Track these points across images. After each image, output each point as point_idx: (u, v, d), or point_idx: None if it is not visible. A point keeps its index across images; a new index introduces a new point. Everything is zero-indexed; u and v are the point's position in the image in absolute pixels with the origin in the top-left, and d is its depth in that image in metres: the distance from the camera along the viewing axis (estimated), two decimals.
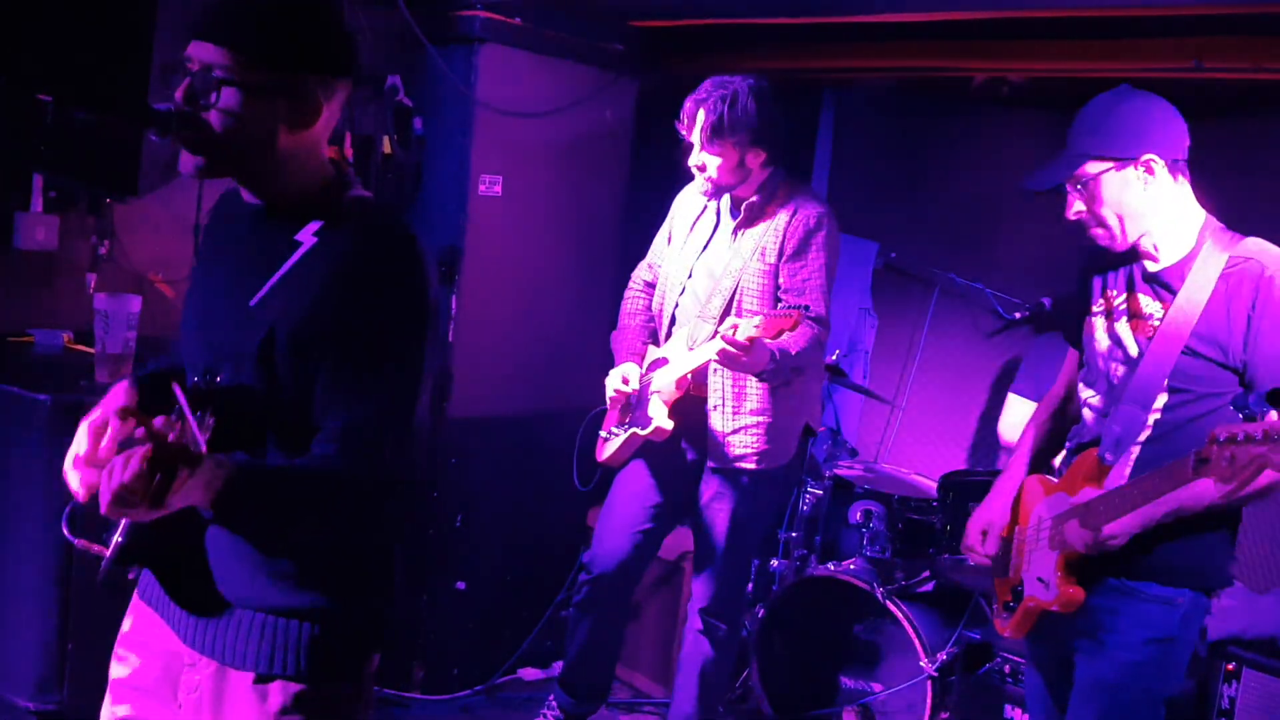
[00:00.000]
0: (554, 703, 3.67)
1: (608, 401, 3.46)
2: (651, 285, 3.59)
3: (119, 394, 1.86)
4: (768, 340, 2.98)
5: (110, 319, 2.91)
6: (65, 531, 1.77)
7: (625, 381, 3.37)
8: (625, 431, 3.38)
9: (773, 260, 3.26)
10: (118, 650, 1.92)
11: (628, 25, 4.14)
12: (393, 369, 1.70)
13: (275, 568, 1.74)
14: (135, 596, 1.93)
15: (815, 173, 5.03)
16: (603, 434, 3.50)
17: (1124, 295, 2.47)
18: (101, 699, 1.83)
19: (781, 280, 3.26)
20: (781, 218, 3.26)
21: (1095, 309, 2.53)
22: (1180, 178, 2.38)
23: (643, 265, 3.66)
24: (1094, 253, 2.53)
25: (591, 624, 3.55)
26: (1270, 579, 3.58)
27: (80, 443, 1.76)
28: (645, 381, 3.37)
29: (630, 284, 3.67)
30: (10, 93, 2.92)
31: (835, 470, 4.21)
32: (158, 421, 1.57)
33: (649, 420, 3.29)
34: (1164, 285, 2.39)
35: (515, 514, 4.11)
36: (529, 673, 4.19)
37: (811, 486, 4.09)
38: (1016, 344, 4.50)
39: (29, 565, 2.79)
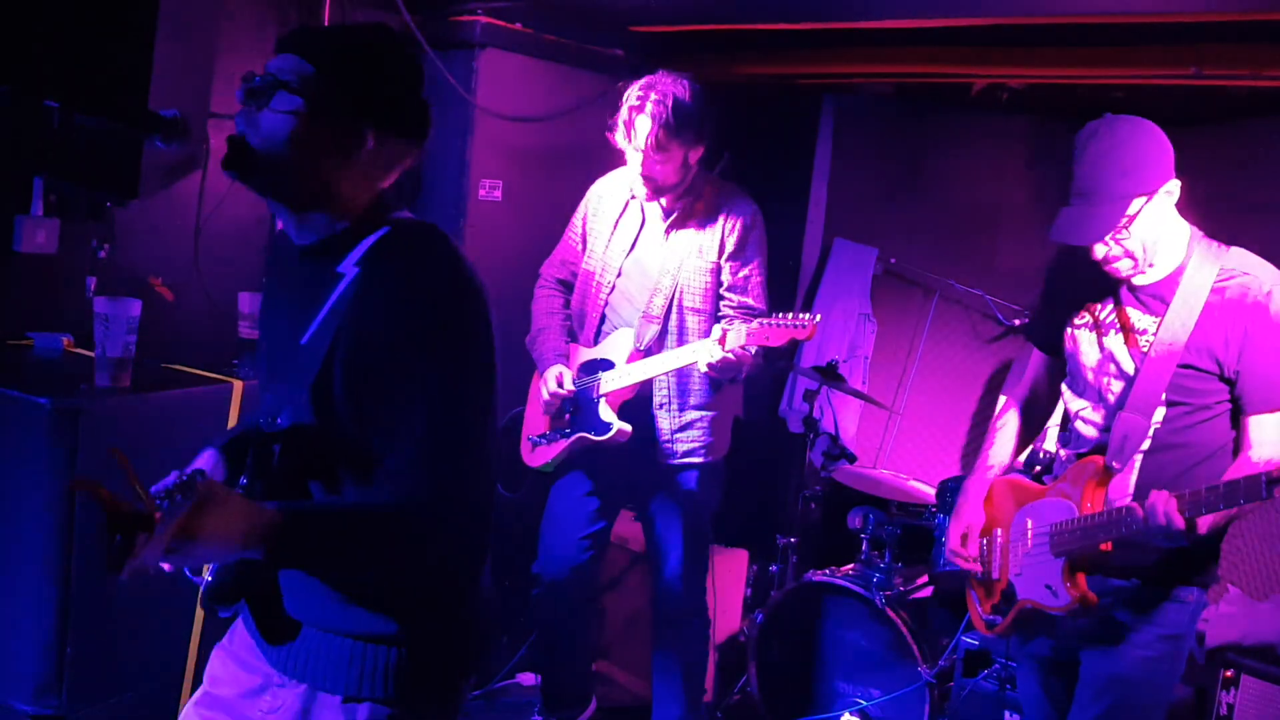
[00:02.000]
0: (538, 718, 3.69)
1: (542, 405, 3.40)
2: (566, 284, 3.55)
3: (205, 460, 1.91)
4: (731, 340, 2.99)
5: (110, 322, 2.90)
6: (189, 575, 1.84)
7: (560, 384, 3.34)
8: (569, 436, 3.34)
9: (713, 258, 3.25)
10: (215, 658, 1.96)
11: (627, 30, 4.14)
12: (450, 395, 1.67)
13: (355, 597, 1.75)
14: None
15: (815, 178, 5.04)
16: (531, 438, 3.46)
17: (1110, 309, 2.47)
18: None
19: (724, 278, 3.26)
20: (718, 215, 3.25)
21: (1078, 321, 2.53)
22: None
23: (553, 263, 3.58)
24: (1069, 265, 2.53)
25: (552, 632, 3.57)
26: (1269, 586, 3.58)
27: None
28: (589, 385, 3.33)
29: (541, 282, 3.59)
30: (10, 97, 2.92)
31: (833, 475, 4.21)
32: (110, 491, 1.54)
33: (606, 425, 3.25)
34: (1154, 297, 2.40)
35: (511, 520, 4.11)
36: (527, 678, 4.18)
37: (809, 492, 4.09)
38: (1015, 350, 4.51)
39: (28, 569, 2.79)
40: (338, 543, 1.65)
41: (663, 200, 3.31)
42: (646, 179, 3.21)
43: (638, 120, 3.13)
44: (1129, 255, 2.36)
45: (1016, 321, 4.37)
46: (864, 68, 4.21)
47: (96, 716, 2.84)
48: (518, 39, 3.84)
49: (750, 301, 3.25)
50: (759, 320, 2.99)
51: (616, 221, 3.41)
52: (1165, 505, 2.20)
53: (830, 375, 4.03)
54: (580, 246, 3.49)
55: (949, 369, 4.74)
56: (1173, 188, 2.35)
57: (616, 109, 3.24)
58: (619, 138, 3.19)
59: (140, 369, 2.95)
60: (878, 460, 4.81)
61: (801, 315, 2.96)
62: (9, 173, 3.19)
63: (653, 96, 3.12)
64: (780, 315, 2.99)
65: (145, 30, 2.72)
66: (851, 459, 4.55)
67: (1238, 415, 2.37)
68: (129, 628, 2.85)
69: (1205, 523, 2.24)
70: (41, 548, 2.76)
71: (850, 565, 3.87)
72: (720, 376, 3.15)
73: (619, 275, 3.38)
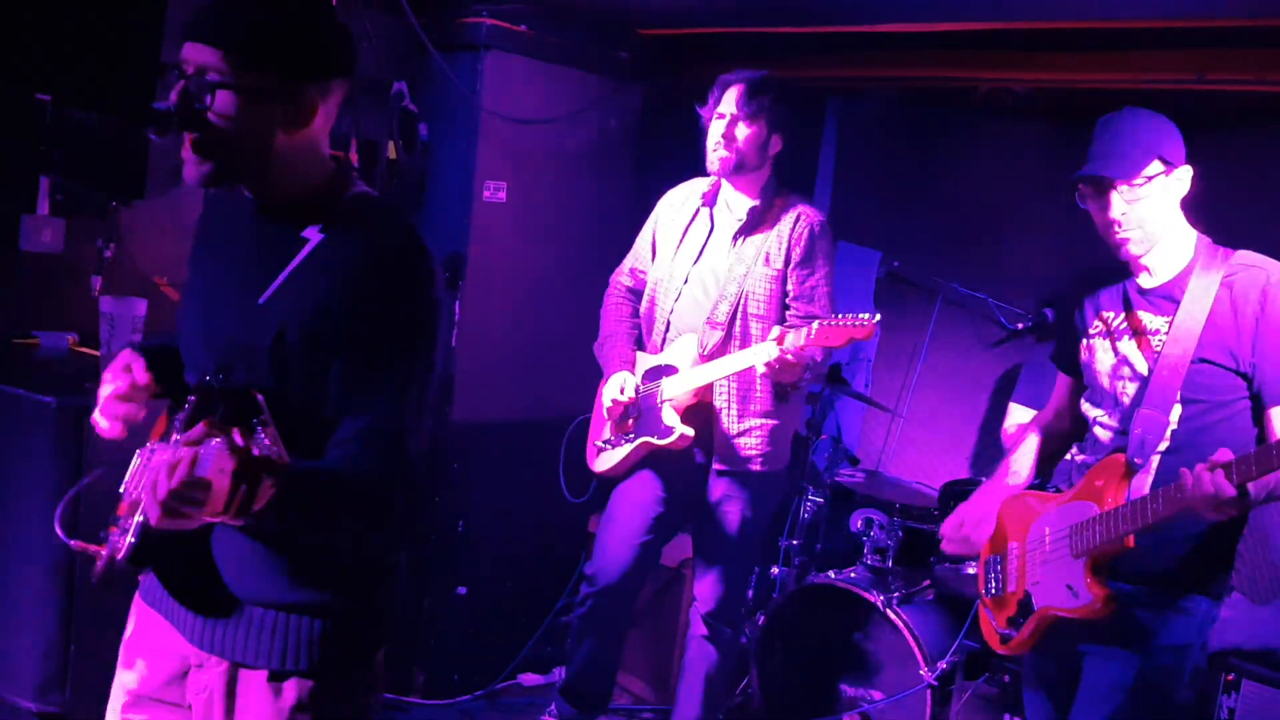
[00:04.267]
0: (555, 710, 3.67)
1: (604, 411, 3.43)
2: (635, 291, 3.57)
3: (129, 356, 1.88)
4: (789, 343, 2.99)
5: (115, 322, 2.92)
6: (59, 531, 1.77)
7: (623, 391, 3.36)
8: (632, 441, 3.36)
9: (779, 266, 3.26)
10: (123, 655, 1.92)
11: (633, 33, 4.15)
12: (407, 367, 1.71)
13: (285, 565, 1.75)
14: (136, 599, 1.93)
15: (819, 181, 5.05)
16: (597, 444, 3.48)
17: (1121, 315, 2.48)
18: (103, 700, 1.84)
19: (790, 287, 3.27)
20: (785, 223, 3.27)
21: (1092, 331, 2.54)
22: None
23: (623, 271, 3.62)
24: (1080, 278, 2.55)
25: (596, 636, 3.54)
26: (1270, 591, 3.58)
27: (112, 384, 1.81)
28: (652, 390, 3.36)
29: (611, 290, 3.63)
30: (17, 95, 2.93)
31: (836, 478, 4.22)
32: (235, 432, 1.54)
33: (668, 430, 3.27)
34: (1163, 298, 2.41)
35: (517, 519, 4.11)
36: (529, 678, 4.19)
37: (812, 494, 4.09)
38: (1019, 354, 4.50)
39: (32, 567, 2.80)
40: (323, 507, 1.66)
41: (727, 208, 3.35)
42: (726, 144, 3.24)
43: (730, 86, 3.24)
44: (1141, 226, 2.37)
45: (1020, 325, 4.37)
46: (868, 71, 4.22)
47: (99, 714, 2.84)
48: (523, 41, 3.85)
49: (816, 311, 3.24)
50: (818, 321, 2.98)
51: (685, 230, 3.44)
52: (1212, 475, 2.15)
53: (834, 378, 4.04)
54: (650, 255, 3.53)
55: (952, 372, 4.74)
56: (1184, 175, 2.37)
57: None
58: (709, 109, 3.28)
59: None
60: (880, 463, 4.81)
61: (861, 315, 2.94)
62: (13, 171, 3.21)
63: (750, 73, 3.25)
64: (838, 315, 2.98)
65: (154, 27, 2.73)
66: (854, 462, 4.56)
67: (1259, 413, 2.35)
68: None
69: (1252, 489, 2.18)
70: (45, 545, 2.76)
71: (853, 568, 3.87)
72: (780, 379, 3.16)
73: (685, 282, 3.39)
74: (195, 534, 1.74)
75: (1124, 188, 2.35)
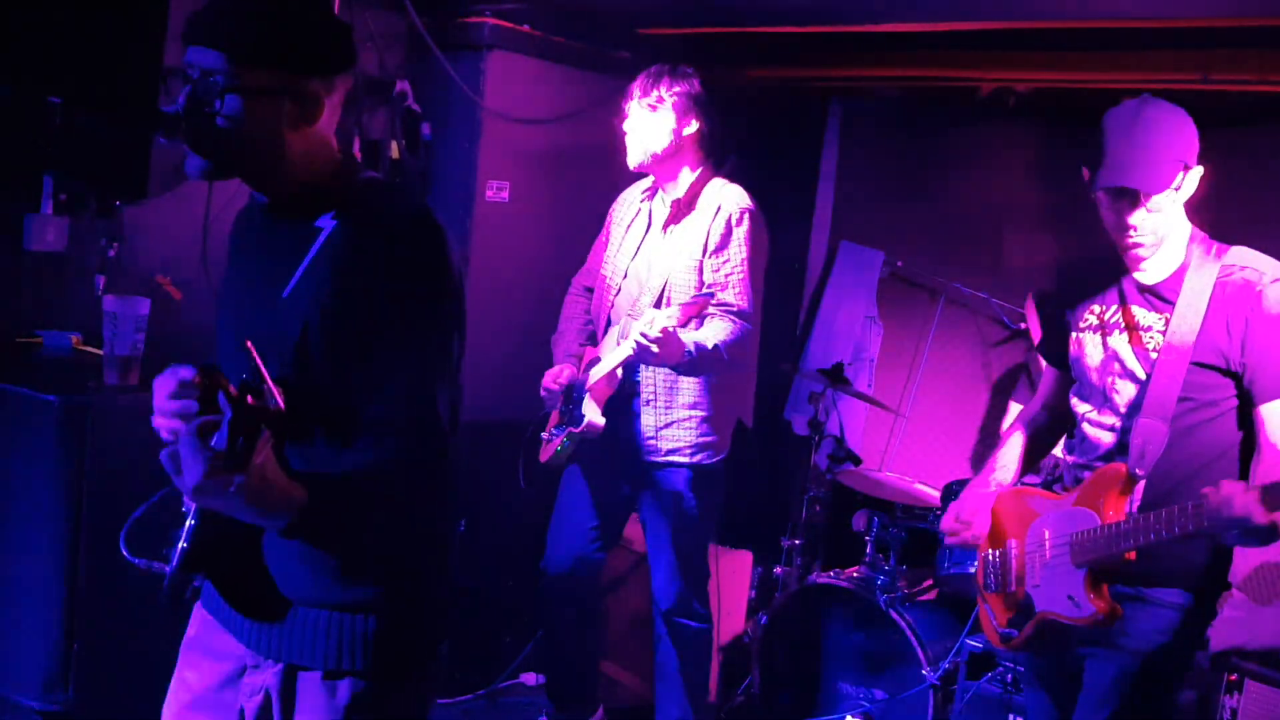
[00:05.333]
0: (545, 717, 3.69)
1: (543, 399, 3.46)
2: (590, 289, 3.60)
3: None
4: (681, 333, 2.98)
5: (119, 321, 2.92)
6: (125, 552, 1.76)
7: (555, 380, 3.39)
8: (562, 432, 3.37)
9: (698, 256, 3.25)
10: (183, 656, 1.94)
11: (635, 33, 4.15)
12: (424, 347, 1.71)
13: (335, 564, 1.75)
14: (198, 604, 1.95)
15: (821, 181, 5.05)
16: (544, 435, 3.50)
17: (1115, 308, 2.47)
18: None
19: (706, 275, 3.25)
20: (707, 213, 3.26)
21: (1083, 325, 2.53)
22: None
23: (582, 270, 3.67)
24: (1072, 271, 2.54)
25: (558, 629, 3.57)
26: (1273, 591, 3.58)
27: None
28: (580, 380, 3.36)
29: (570, 289, 3.68)
30: (22, 95, 2.94)
31: (838, 478, 4.22)
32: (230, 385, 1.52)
33: (581, 418, 3.28)
34: (1160, 297, 2.41)
35: (518, 519, 4.11)
36: (530, 678, 4.19)
37: (814, 494, 4.10)
38: (1020, 354, 4.51)
39: (36, 565, 2.80)
40: (361, 506, 1.66)
41: (662, 201, 3.34)
42: (633, 136, 3.27)
43: (634, 82, 3.27)
44: (1155, 232, 2.35)
45: (1022, 325, 4.37)
46: (871, 71, 4.22)
47: (103, 712, 2.85)
48: (526, 41, 3.85)
49: (730, 299, 3.20)
50: (678, 304, 2.98)
51: (629, 225, 3.47)
52: (1244, 498, 2.08)
53: (836, 378, 4.04)
54: (603, 254, 3.55)
55: (955, 372, 4.74)
56: (1196, 175, 2.35)
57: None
58: (625, 105, 3.31)
59: (148, 367, 2.96)
60: (883, 463, 4.81)
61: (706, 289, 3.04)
62: (17, 170, 3.21)
63: (656, 66, 3.27)
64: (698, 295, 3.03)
65: (157, 28, 2.74)
66: (856, 461, 4.55)
67: (1245, 413, 2.35)
68: (136, 623, 2.86)
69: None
70: (49, 543, 2.77)
71: (855, 568, 3.87)
72: (647, 362, 3.15)
73: (624, 277, 3.41)
74: (247, 537, 1.75)
75: (1152, 198, 2.32)
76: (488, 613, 4.06)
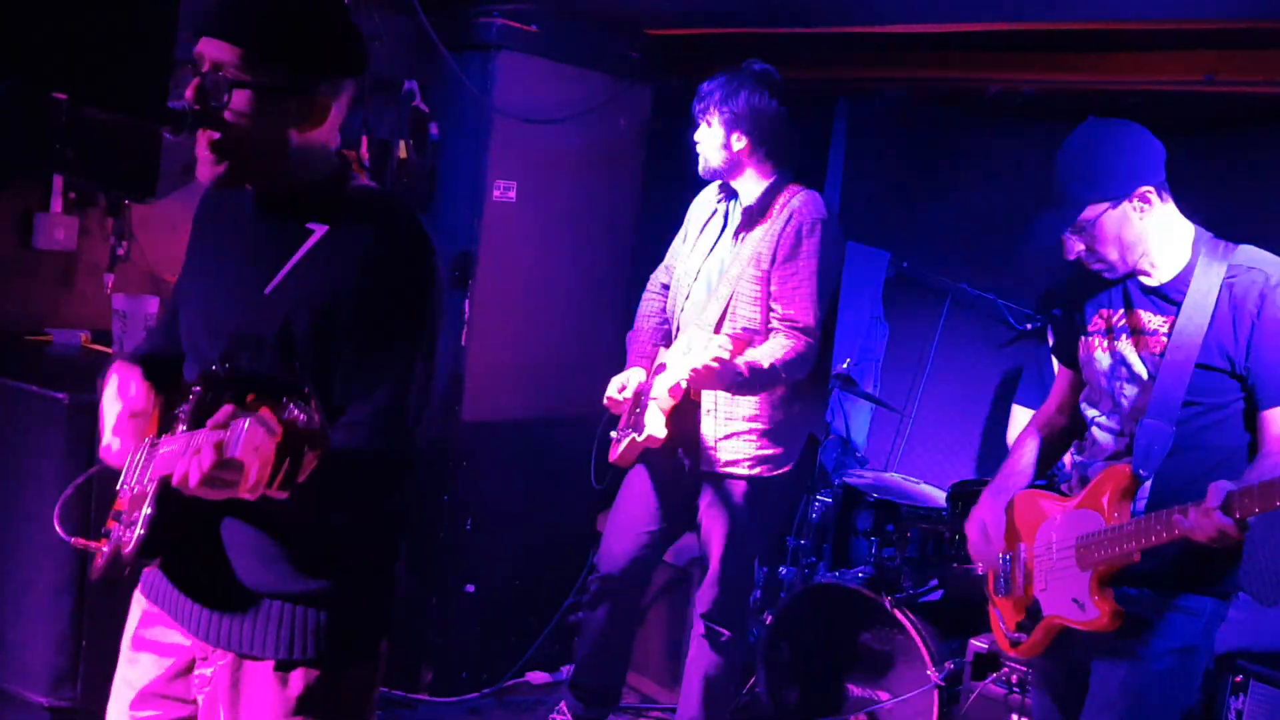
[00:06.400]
0: (564, 708, 3.68)
1: (606, 403, 3.47)
2: (667, 287, 3.59)
3: (126, 374, 1.84)
4: (735, 359, 3.03)
5: (128, 319, 2.93)
6: (58, 528, 1.78)
7: (621, 390, 3.39)
8: (626, 436, 3.39)
9: (766, 267, 3.24)
10: (125, 650, 1.93)
11: (643, 33, 4.16)
12: (410, 352, 1.73)
13: (290, 555, 1.77)
14: (137, 593, 1.94)
15: (828, 181, 5.04)
16: (613, 434, 3.51)
17: (1122, 312, 2.47)
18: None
19: (772, 288, 3.24)
20: (779, 222, 3.25)
21: (1091, 329, 2.53)
22: (1166, 197, 2.39)
23: (661, 267, 3.66)
24: (1082, 274, 2.54)
25: (600, 624, 3.56)
26: (1278, 592, 3.57)
27: (121, 403, 1.78)
28: (647, 386, 3.37)
29: (648, 285, 3.68)
30: (31, 93, 2.95)
31: (845, 478, 4.22)
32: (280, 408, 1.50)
33: (644, 427, 3.29)
34: (1165, 299, 2.40)
35: (525, 518, 4.13)
36: (537, 676, 4.20)
37: (821, 494, 4.10)
38: (1027, 355, 4.50)
39: (44, 562, 2.82)
40: (326, 485, 1.63)
41: (736, 202, 3.37)
42: (700, 147, 3.33)
43: (703, 86, 3.32)
44: (1104, 259, 2.39)
45: (1029, 325, 4.36)
46: (878, 72, 4.22)
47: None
48: (534, 41, 3.86)
49: (794, 314, 3.19)
50: (730, 335, 3.04)
51: (702, 228, 3.46)
52: (1210, 517, 2.12)
53: (842, 379, 4.04)
54: (678, 250, 3.56)
55: (961, 373, 4.73)
56: (1148, 193, 2.34)
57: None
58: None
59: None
60: (889, 463, 4.81)
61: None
62: (26, 168, 3.22)
63: (723, 74, 3.30)
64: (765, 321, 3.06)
65: (168, 25, 2.74)
66: (863, 462, 4.56)
67: (1252, 415, 2.35)
68: None
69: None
70: (57, 541, 2.78)
71: (860, 568, 3.87)
72: (698, 387, 3.17)
73: (695, 279, 3.40)
74: (204, 525, 1.76)
75: (1068, 236, 2.37)
76: (493, 611, 4.08)
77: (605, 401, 3.43)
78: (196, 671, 1.84)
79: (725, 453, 3.32)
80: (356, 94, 1.81)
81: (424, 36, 3.62)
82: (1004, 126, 4.58)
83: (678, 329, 3.44)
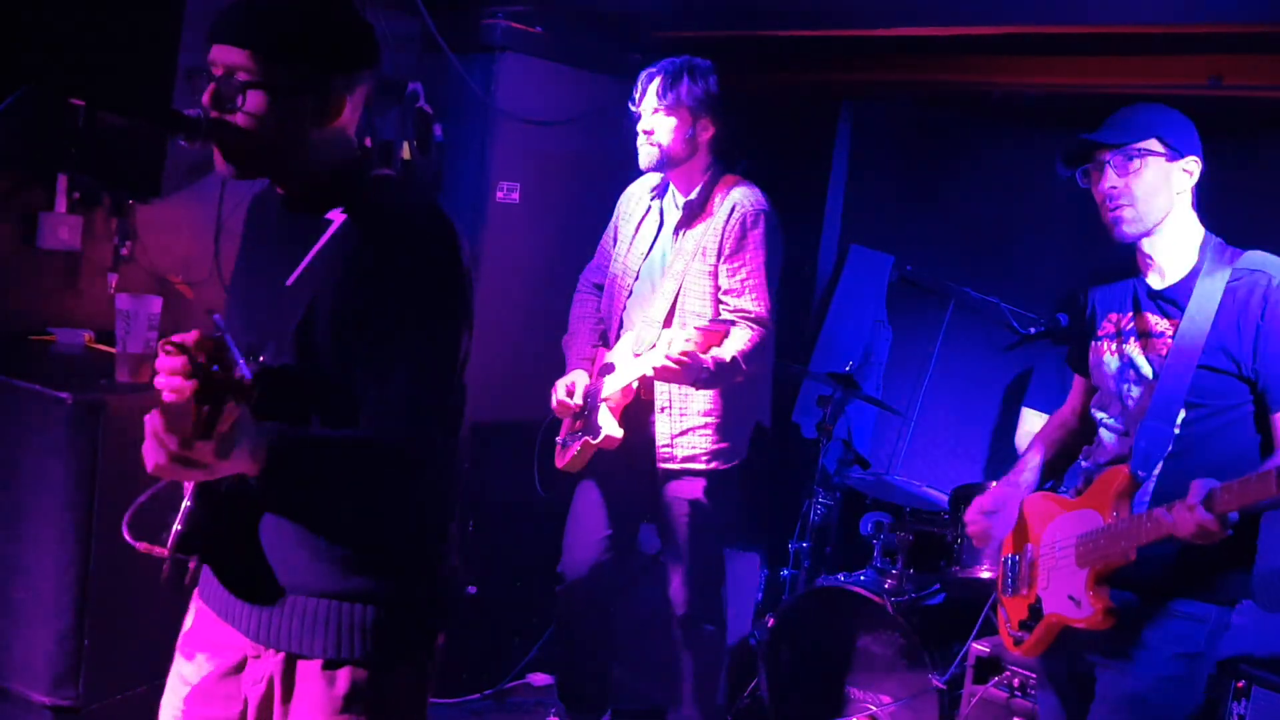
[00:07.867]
0: (556, 715, 3.69)
1: (553, 409, 3.42)
2: (600, 287, 3.56)
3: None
4: (701, 354, 2.96)
5: (132, 319, 2.93)
6: (126, 535, 1.76)
7: (569, 393, 3.35)
8: (578, 440, 3.35)
9: (713, 260, 3.21)
10: (181, 648, 1.95)
11: (646, 35, 4.16)
12: (428, 339, 1.72)
13: (333, 552, 1.76)
14: (195, 595, 1.96)
15: (832, 185, 5.05)
16: (558, 441, 3.47)
17: (1130, 315, 2.48)
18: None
19: (721, 280, 3.21)
20: (720, 215, 3.22)
21: (1100, 333, 2.54)
22: (1193, 194, 2.42)
23: (590, 266, 3.62)
24: (1092, 278, 2.55)
25: (574, 633, 3.57)
26: None
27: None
28: (595, 388, 3.34)
29: (579, 286, 3.63)
30: (35, 93, 2.95)
31: (847, 481, 4.22)
32: (200, 355, 1.50)
33: (599, 429, 3.26)
34: (1170, 302, 2.41)
35: (527, 519, 4.12)
36: (537, 678, 4.20)
37: (822, 497, 4.09)
38: (1031, 359, 4.50)
39: (46, 562, 2.81)
40: (330, 470, 1.66)
41: (673, 201, 3.31)
42: (648, 136, 3.22)
43: (651, 80, 3.21)
44: (1134, 204, 2.37)
45: (1033, 329, 4.36)
46: (882, 75, 4.22)
47: (113, 708, 2.86)
48: (538, 43, 3.86)
49: (747, 305, 3.18)
50: (695, 327, 2.95)
51: (639, 224, 3.42)
52: (1192, 513, 2.14)
53: (845, 381, 4.04)
54: (611, 250, 3.51)
55: (964, 376, 4.74)
56: (1191, 166, 2.38)
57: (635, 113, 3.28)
58: (635, 103, 3.25)
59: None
60: (891, 467, 4.81)
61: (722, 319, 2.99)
62: (34, 170, 3.23)
63: (671, 63, 3.21)
64: (714, 321, 3.00)
65: (172, 28, 2.75)
66: (865, 465, 4.56)
67: (1263, 418, 2.34)
68: (146, 620, 2.87)
69: (1236, 515, 2.16)
70: (61, 541, 2.78)
71: (862, 571, 3.87)
72: (667, 381, 3.13)
73: (635, 279, 3.38)
74: (245, 523, 1.77)
75: (1117, 159, 2.36)
76: (494, 613, 4.07)
77: (554, 406, 3.39)
78: (248, 669, 1.85)
79: (682, 449, 3.30)
80: (372, 84, 1.82)
81: (428, 38, 3.63)
82: (1008, 130, 4.59)
83: (620, 328, 3.40)
